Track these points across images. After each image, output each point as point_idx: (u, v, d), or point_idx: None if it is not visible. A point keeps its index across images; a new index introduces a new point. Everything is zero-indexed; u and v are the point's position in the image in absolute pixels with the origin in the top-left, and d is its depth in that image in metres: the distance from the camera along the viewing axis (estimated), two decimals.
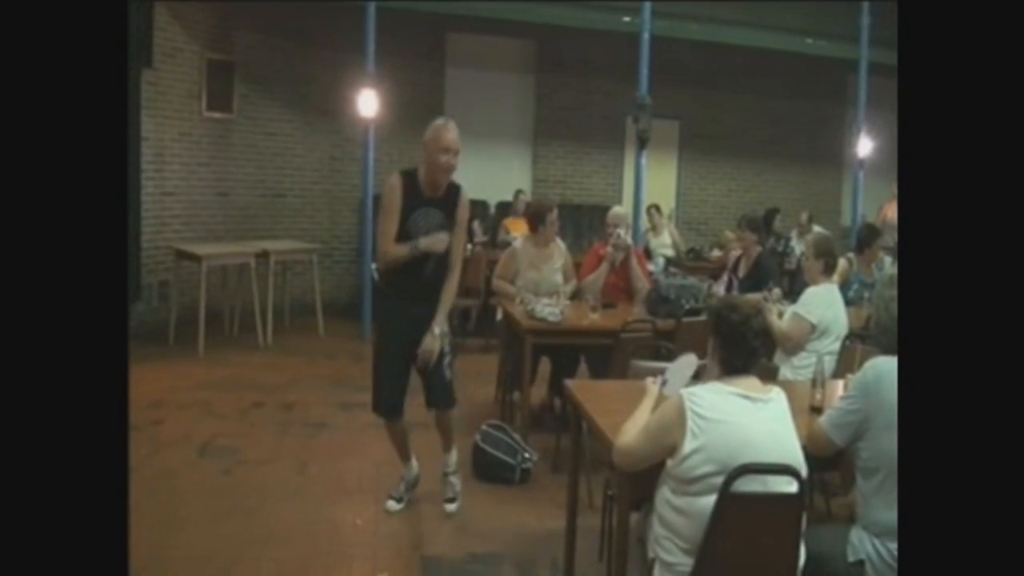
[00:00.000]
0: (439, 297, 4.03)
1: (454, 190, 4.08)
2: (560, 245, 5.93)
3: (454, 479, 4.31)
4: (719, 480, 2.31)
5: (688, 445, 2.38)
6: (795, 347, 4.52)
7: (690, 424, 2.39)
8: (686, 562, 2.41)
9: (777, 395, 2.51)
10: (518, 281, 5.73)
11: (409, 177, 3.99)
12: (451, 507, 4.24)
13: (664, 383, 2.92)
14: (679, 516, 2.44)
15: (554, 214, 5.81)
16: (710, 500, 2.32)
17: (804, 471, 2.40)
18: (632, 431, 2.65)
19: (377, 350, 4.22)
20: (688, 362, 3.00)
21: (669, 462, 2.46)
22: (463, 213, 4.12)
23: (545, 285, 5.70)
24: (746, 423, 2.40)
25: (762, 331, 2.56)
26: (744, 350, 2.51)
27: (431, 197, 4.00)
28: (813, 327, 4.47)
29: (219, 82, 9.03)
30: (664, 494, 2.51)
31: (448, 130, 3.98)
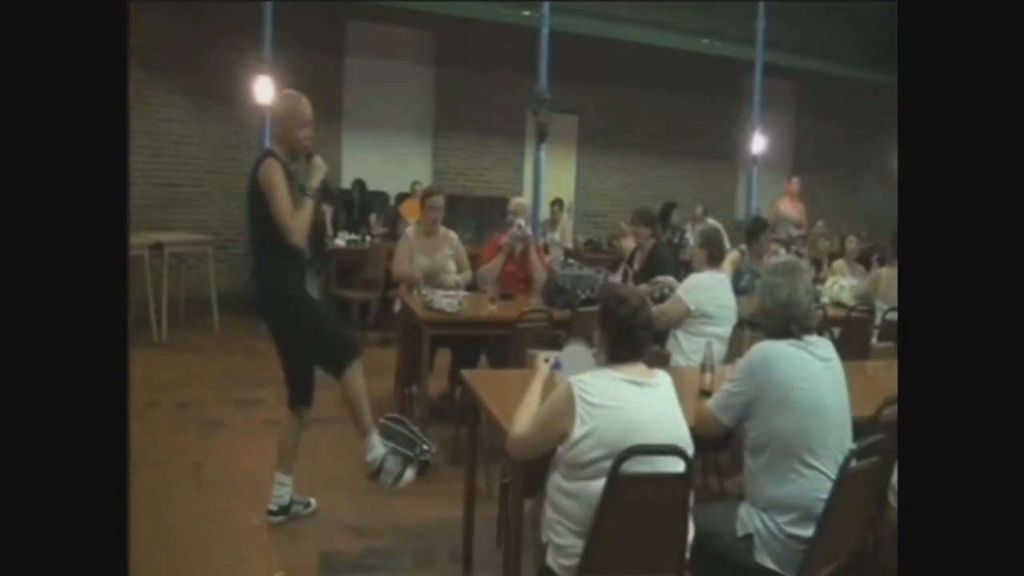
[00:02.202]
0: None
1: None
2: (450, 234, 5.99)
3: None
4: (608, 464, 2.34)
5: (578, 431, 2.42)
6: (668, 324, 4.72)
7: (579, 410, 2.42)
8: (577, 544, 2.44)
9: (663, 379, 2.57)
10: (412, 267, 5.76)
11: (277, 157, 3.82)
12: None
13: (557, 365, 2.94)
14: (570, 500, 2.47)
15: (438, 198, 5.89)
16: (600, 483, 2.35)
17: (691, 451, 2.46)
18: (524, 420, 2.67)
19: (293, 334, 3.97)
20: (583, 351, 3.02)
21: (560, 448, 2.49)
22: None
23: (438, 272, 5.75)
24: (634, 407, 2.45)
25: (648, 322, 2.62)
26: (631, 341, 2.56)
27: (289, 172, 3.88)
28: (688, 311, 4.67)
29: None
30: (555, 480, 2.53)
31: (305, 103, 3.88)
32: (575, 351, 3.02)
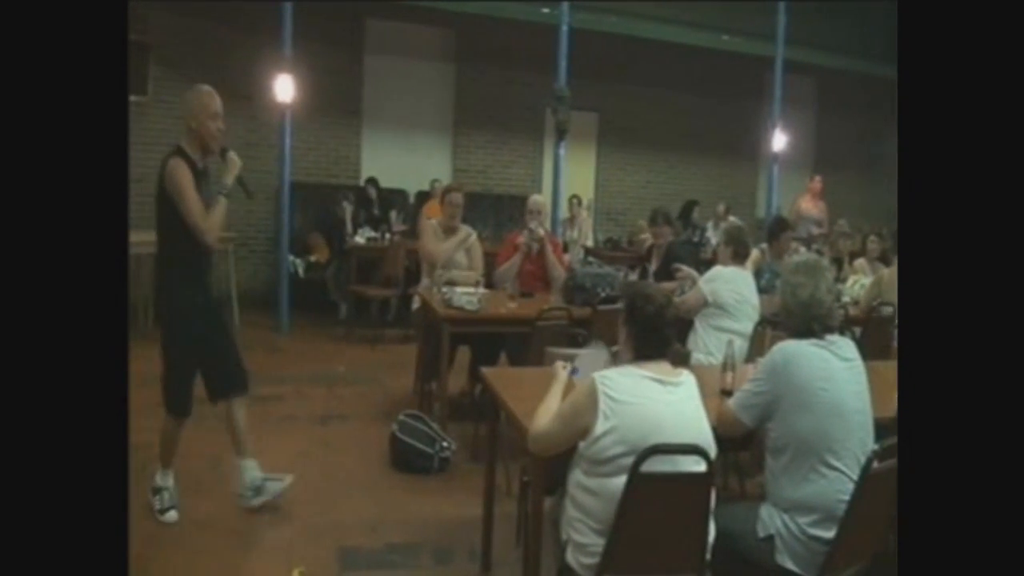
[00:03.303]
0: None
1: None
2: (469, 231, 6.04)
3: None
4: (630, 461, 2.33)
5: (600, 427, 2.41)
6: (686, 313, 4.74)
7: (602, 406, 2.42)
8: (598, 542, 2.43)
9: (687, 378, 2.56)
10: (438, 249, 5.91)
11: (185, 156, 3.72)
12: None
13: (575, 371, 2.94)
14: (591, 497, 2.46)
15: (457, 195, 5.98)
16: (621, 481, 2.34)
17: (713, 451, 2.45)
18: (545, 417, 2.67)
19: (180, 356, 3.89)
20: (600, 355, 3.03)
21: (581, 444, 2.48)
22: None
23: (450, 266, 5.84)
24: (657, 405, 2.44)
25: (674, 320, 2.61)
26: (657, 339, 2.55)
27: (200, 169, 3.79)
28: (705, 300, 4.71)
29: (133, 64, 8.75)
30: (576, 476, 2.53)
31: (215, 95, 3.79)
32: (592, 355, 3.03)
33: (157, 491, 3.97)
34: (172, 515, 3.92)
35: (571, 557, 2.53)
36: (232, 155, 3.86)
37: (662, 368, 2.53)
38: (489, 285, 5.79)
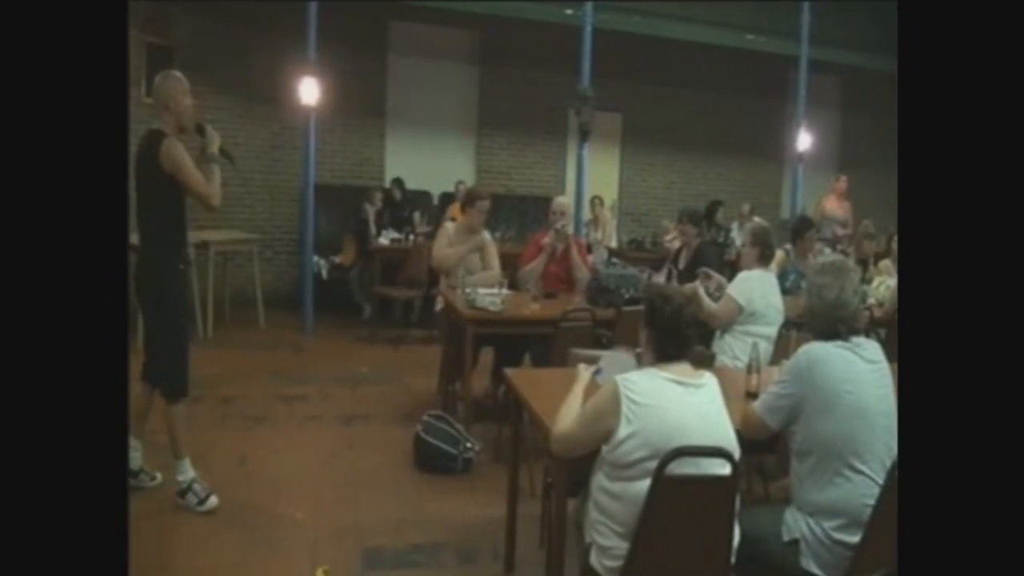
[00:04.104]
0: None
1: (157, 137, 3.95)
2: (486, 235, 6.03)
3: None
4: (653, 464, 2.33)
5: (623, 430, 2.41)
6: (723, 326, 4.67)
7: (624, 410, 2.41)
8: (621, 546, 2.43)
9: (709, 380, 2.55)
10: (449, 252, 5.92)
11: (169, 136, 3.94)
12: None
13: (599, 372, 2.94)
14: (614, 501, 2.46)
15: (485, 202, 5.94)
16: (644, 484, 2.34)
17: (737, 454, 2.44)
18: (567, 418, 2.67)
19: (174, 330, 4.03)
20: (624, 358, 3.02)
21: (604, 448, 2.48)
22: None
23: (462, 263, 5.86)
24: (679, 408, 2.43)
25: (694, 319, 2.60)
26: (677, 339, 2.55)
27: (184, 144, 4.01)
28: (740, 308, 4.61)
29: (158, 67, 8.75)
30: (599, 480, 2.52)
31: (183, 78, 4.06)
32: (615, 357, 3.03)
33: (186, 489, 4.00)
34: (213, 500, 4.00)
35: (595, 560, 2.53)
36: (210, 128, 4.12)
37: (683, 370, 2.53)
38: (512, 286, 5.79)
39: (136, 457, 4.11)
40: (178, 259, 4.03)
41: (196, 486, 4.01)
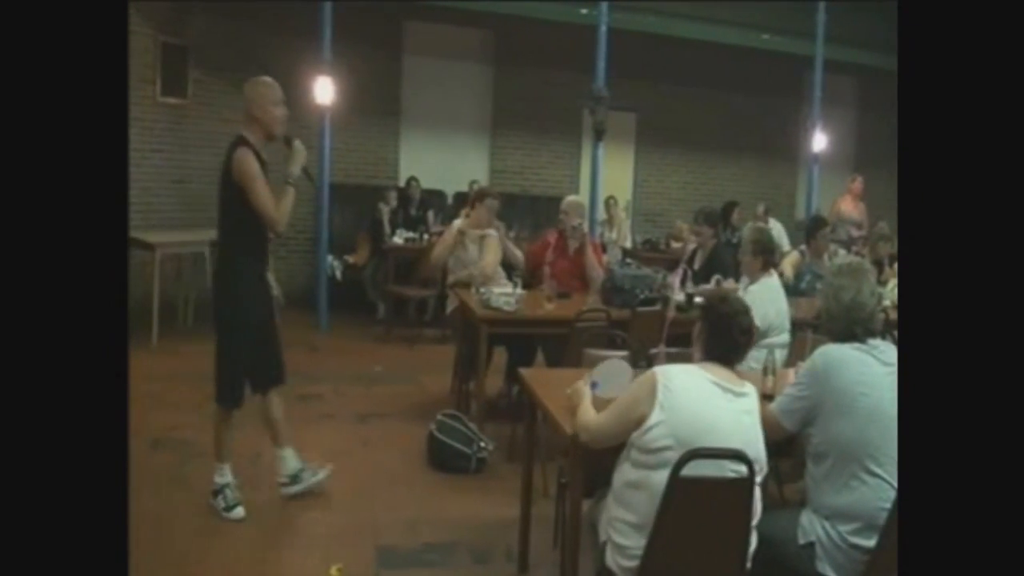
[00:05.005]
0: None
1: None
2: (493, 232, 6.06)
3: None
4: (675, 456, 2.34)
5: (655, 416, 2.42)
6: None
7: (660, 396, 2.43)
8: (638, 544, 2.42)
9: (751, 390, 2.54)
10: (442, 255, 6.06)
11: (249, 145, 3.79)
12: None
13: (595, 386, 2.91)
14: (635, 491, 2.46)
15: (494, 201, 6.04)
16: (664, 475, 2.34)
17: (762, 464, 2.44)
18: (589, 412, 2.69)
19: (234, 345, 3.93)
20: (620, 367, 3.00)
21: (635, 433, 2.47)
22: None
23: (464, 255, 5.96)
24: (714, 410, 2.43)
25: (748, 329, 2.59)
26: (726, 341, 2.55)
27: (263, 159, 3.84)
28: (759, 331, 4.52)
29: (173, 67, 8.88)
30: (623, 472, 2.53)
31: (277, 85, 3.90)
32: (611, 367, 2.99)
33: (218, 490, 3.99)
34: (239, 511, 3.94)
35: (610, 559, 2.53)
36: (298, 143, 3.91)
37: (727, 375, 2.53)
38: (527, 286, 5.79)
39: (291, 462, 4.09)
40: (256, 276, 3.93)
41: (228, 492, 3.98)
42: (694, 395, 2.44)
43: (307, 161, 3.95)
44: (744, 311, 2.60)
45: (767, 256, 4.71)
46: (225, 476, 4.00)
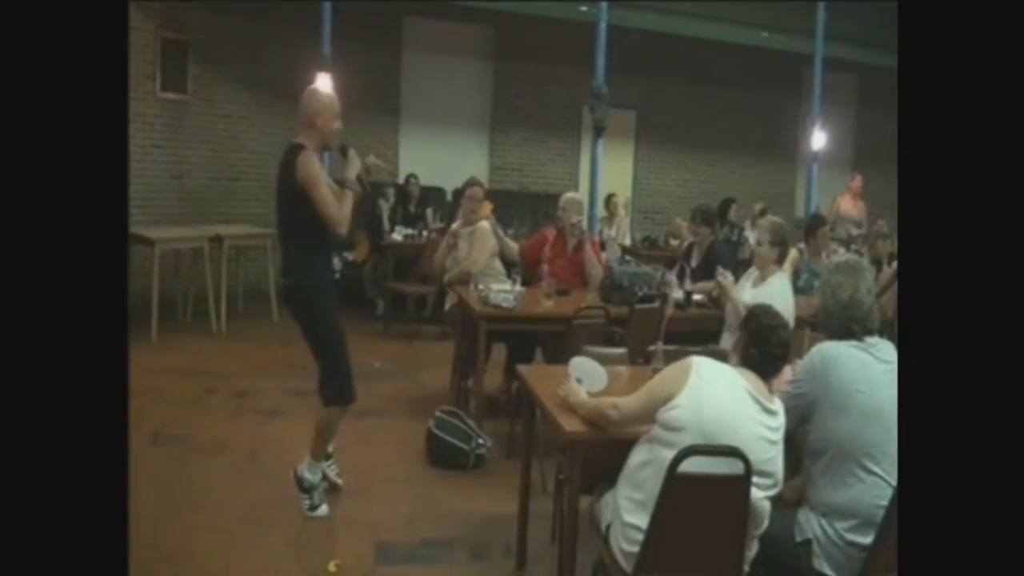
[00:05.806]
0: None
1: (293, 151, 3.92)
2: (483, 225, 6.20)
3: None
4: (688, 440, 2.36)
5: (681, 398, 2.44)
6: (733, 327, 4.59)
7: (691, 381, 2.45)
8: (642, 524, 2.43)
9: (779, 410, 2.54)
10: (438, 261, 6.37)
11: (308, 151, 3.88)
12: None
13: (579, 383, 2.98)
14: (645, 468, 2.49)
15: (475, 190, 6.30)
16: (672, 455, 2.35)
17: (779, 481, 2.48)
18: (609, 398, 2.76)
19: (333, 334, 4.00)
20: (591, 366, 3.08)
21: (661, 409, 2.49)
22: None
23: (457, 254, 6.17)
24: (738, 414, 2.44)
25: (786, 343, 2.60)
26: (764, 351, 2.55)
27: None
28: None
29: (173, 62, 8.87)
30: (640, 451, 2.56)
31: (336, 97, 4.02)
32: (581, 363, 3.09)
33: (309, 488, 4.00)
34: (324, 510, 4.00)
35: (614, 542, 2.54)
36: (353, 153, 4.00)
37: (760, 386, 2.53)
38: (526, 283, 5.80)
39: (308, 473, 4.05)
40: (328, 270, 4.09)
41: (316, 493, 4.00)
42: (723, 394, 2.45)
43: (360, 169, 4.01)
44: (784, 326, 2.61)
45: (783, 249, 4.72)
46: (316, 474, 4.03)
